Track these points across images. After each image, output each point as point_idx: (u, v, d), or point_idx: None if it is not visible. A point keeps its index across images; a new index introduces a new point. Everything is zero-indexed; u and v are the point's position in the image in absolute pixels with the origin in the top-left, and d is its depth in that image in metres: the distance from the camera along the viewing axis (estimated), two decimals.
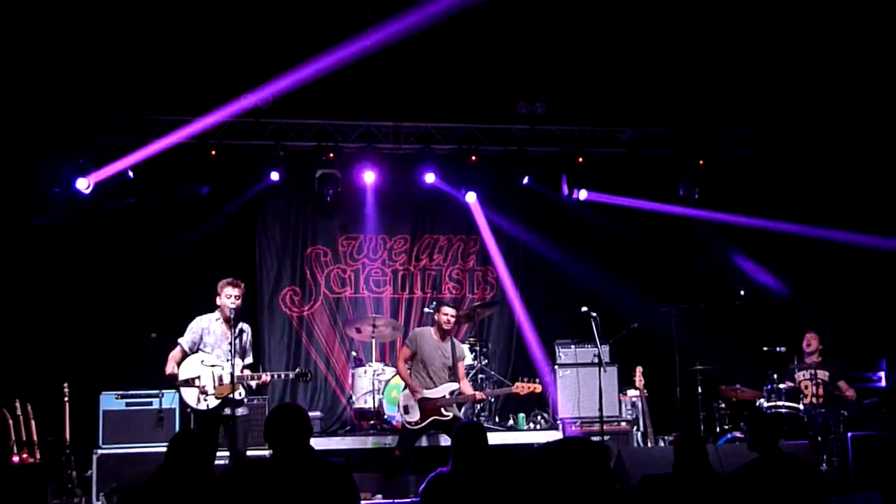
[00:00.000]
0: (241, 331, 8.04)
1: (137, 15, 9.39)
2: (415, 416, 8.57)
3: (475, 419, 10.22)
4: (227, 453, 8.00)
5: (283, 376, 8.41)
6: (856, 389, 10.10)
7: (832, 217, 11.06)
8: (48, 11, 9.20)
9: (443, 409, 8.51)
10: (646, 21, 9.88)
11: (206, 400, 7.85)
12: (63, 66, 9.88)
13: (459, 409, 8.85)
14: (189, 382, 7.92)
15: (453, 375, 8.67)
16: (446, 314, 8.73)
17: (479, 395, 8.79)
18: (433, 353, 8.66)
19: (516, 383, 8.80)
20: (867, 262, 11.00)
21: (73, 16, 9.26)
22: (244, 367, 8.07)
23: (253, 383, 8.13)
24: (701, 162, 11.54)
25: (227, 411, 7.84)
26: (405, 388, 8.76)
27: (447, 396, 8.53)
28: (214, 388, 7.85)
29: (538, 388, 8.73)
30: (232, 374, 7.79)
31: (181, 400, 8.23)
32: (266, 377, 8.16)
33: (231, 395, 7.78)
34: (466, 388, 8.73)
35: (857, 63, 10.08)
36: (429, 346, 8.68)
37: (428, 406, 8.53)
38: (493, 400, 10.95)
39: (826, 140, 11.16)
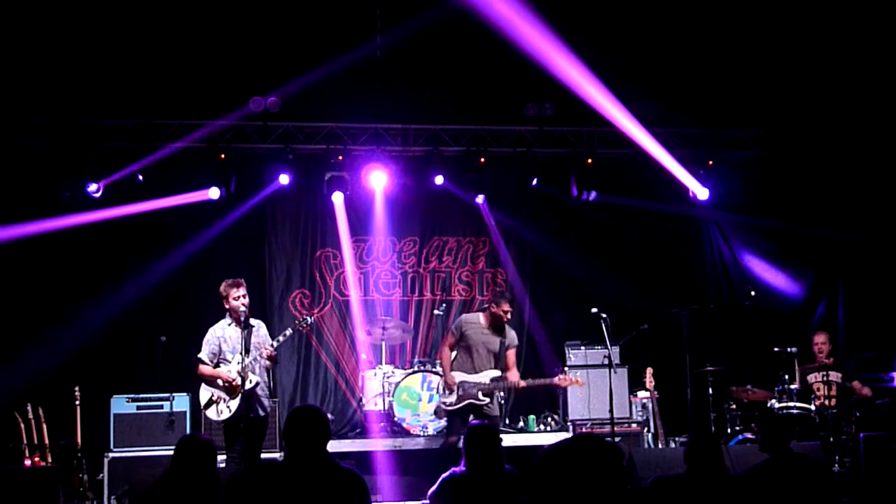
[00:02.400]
0: (250, 326, 7.93)
1: (146, 20, 9.42)
2: (452, 397, 8.48)
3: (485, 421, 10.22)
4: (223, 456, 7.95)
5: (281, 339, 8.13)
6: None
7: (843, 216, 11.03)
8: (57, 17, 9.23)
9: (479, 394, 8.39)
10: (655, 20, 9.86)
11: (228, 408, 7.79)
12: (72, 72, 9.92)
13: (492, 400, 8.59)
14: (208, 404, 7.92)
15: (500, 363, 8.52)
16: (506, 311, 8.55)
17: (521, 383, 8.54)
18: (479, 339, 8.52)
19: (559, 375, 8.65)
20: (880, 261, 10.97)
21: (82, 21, 9.29)
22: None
23: (256, 367, 7.89)
24: (710, 162, 11.52)
25: (251, 414, 7.77)
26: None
27: (487, 383, 8.42)
28: (227, 391, 7.82)
29: (581, 382, 8.58)
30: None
31: (192, 406, 8.23)
32: (267, 349, 7.89)
33: (253, 384, 7.73)
34: (513, 375, 8.55)
35: (867, 62, 10.05)
36: (475, 332, 8.54)
37: (467, 390, 8.44)
38: (502, 401, 10.88)
39: (837, 139, 11.12)
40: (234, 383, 7.74)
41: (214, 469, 4.98)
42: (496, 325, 8.54)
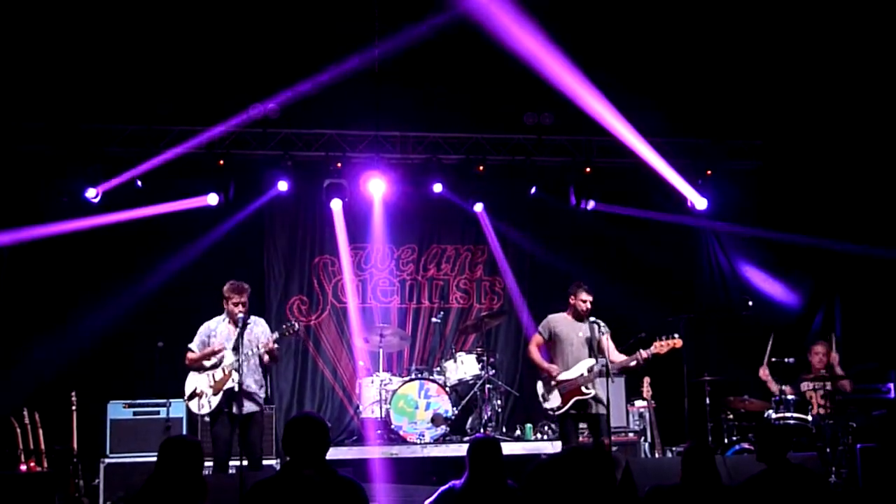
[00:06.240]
0: (246, 323, 7.83)
1: (146, 26, 9.44)
2: (555, 401, 8.35)
3: (483, 430, 10.22)
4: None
5: (275, 336, 8.09)
6: (866, 402, 10.04)
7: (842, 228, 11.04)
8: (58, 23, 9.26)
9: (582, 388, 8.25)
10: (656, 30, 9.89)
11: (209, 402, 7.82)
12: (72, 77, 9.94)
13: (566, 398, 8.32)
14: (192, 396, 7.93)
15: (593, 353, 8.37)
16: (584, 301, 8.43)
17: (629, 360, 8.35)
18: (570, 334, 8.45)
19: (655, 343, 8.32)
20: (878, 272, 10.96)
21: (82, 27, 9.32)
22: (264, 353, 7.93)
23: (246, 364, 7.78)
24: (709, 172, 11.53)
25: (235, 410, 7.69)
26: (540, 375, 8.57)
27: (585, 374, 8.28)
28: (211, 386, 7.82)
29: (678, 343, 8.31)
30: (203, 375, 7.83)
31: (188, 412, 8.20)
32: (266, 344, 7.84)
33: (233, 388, 7.69)
34: (617, 356, 8.40)
35: (866, 74, 10.07)
36: (564, 328, 8.48)
37: (568, 388, 8.31)
38: (499, 410, 10.86)
39: (836, 150, 11.14)
40: (220, 355, 7.78)
41: (200, 472, 4.93)
42: (580, 317, 8.46)
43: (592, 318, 8.33)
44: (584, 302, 8.42)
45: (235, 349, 7.72)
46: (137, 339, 10.38)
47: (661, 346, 8.30)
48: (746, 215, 11.66)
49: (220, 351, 7.85)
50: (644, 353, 8.27)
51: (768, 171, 11.79)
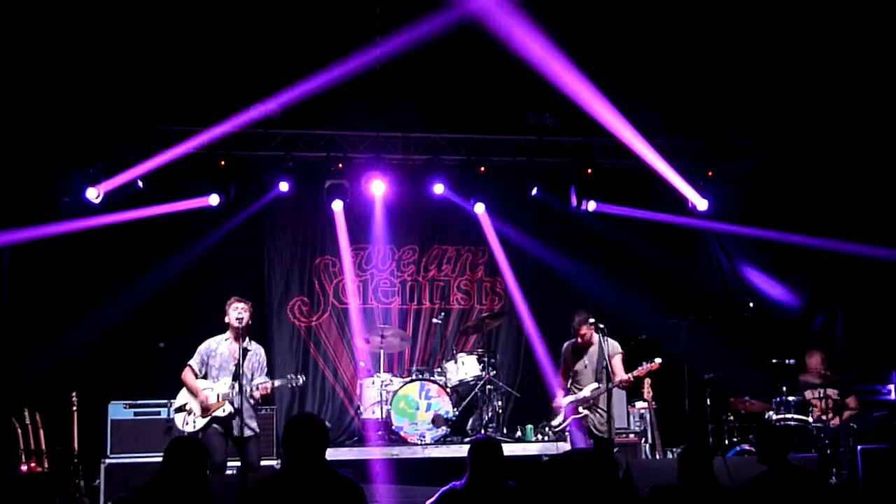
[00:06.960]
0: (246, 350, 7.88)
1: (148, 27, 9.45)
2: (559, 419, 8.83)
3: (483, 431, 10.22)
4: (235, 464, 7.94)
5: (276, 384, 8.16)
6: (866, 402, 10.04)
7: (842, 230, 11.04)
8: (60, 24, 9.26)
9: (579, 409, 8.55)
10: (657, 32, 9.89)
11: (194, 422, 7.79)
12: (74, 78, 9.94)
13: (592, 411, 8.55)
14: (180, 409, 7.92)
15: (602, 375, 8.48)
16: (584, 335, 8.58)
17: (623, 379, 8.46)
18: (577, 364, 8.71)
19: (638, 367, 8.47)
20: (878, 273, 10.97)
21: (84, 28, 9.33)
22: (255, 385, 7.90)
23: (253, 397, 7.88)
24: (710, 173, 11.53)
25: (236, 431, 7.72)
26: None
27: (587, 395, 8.52)
28: (201, 409, 7.80)
29: (656, 366, 8.46)
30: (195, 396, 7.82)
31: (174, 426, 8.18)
32: (264, 387, 7.91)
33: (225, 414, 7.71)
34: (617, 379, 8.51)
35: (865, 78, 10.08)
36: (573, 358, 8.77)
37: (569, 408, 8.66)
38: (499, 411, 10.85)
39: (837, 150, 11.15)
40: (206, 404, 7.76)
41: (205, 472, 4.95)
42: (585, 343, 8.66)
43: (600, 338, 8.44)
44: (583, 336, 8.61)
45: (234, 377, 7.70)
46: (138, 339, 10.39)
47: (641, 371, 8.49)
48: (747, 216, 11.65)
49: (207, 404, 7.79)
50: (625, 377, 8.47)
51: (769, 172, 11.78)
